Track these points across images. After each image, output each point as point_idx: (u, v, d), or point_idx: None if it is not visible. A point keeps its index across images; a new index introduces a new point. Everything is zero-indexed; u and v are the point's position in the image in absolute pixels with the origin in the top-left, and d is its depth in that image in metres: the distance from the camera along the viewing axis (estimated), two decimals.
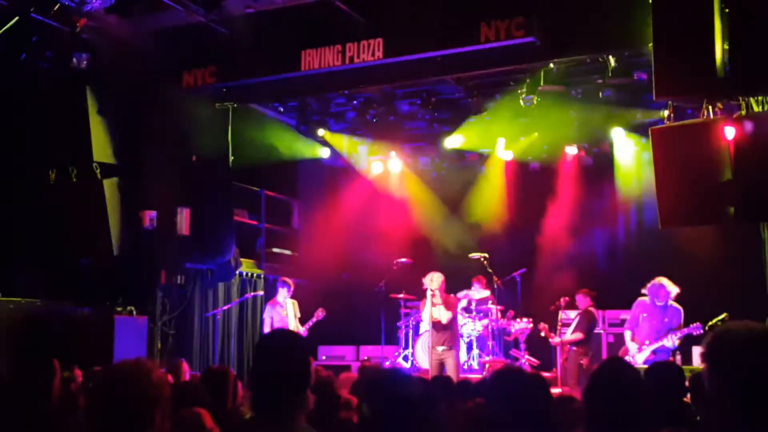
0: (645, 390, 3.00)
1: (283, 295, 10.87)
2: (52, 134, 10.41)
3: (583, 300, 10.68)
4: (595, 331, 10.96)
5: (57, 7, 8.76)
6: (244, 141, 11.91)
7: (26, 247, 10.08)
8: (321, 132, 13.00)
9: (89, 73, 10.03)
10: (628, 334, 9.39)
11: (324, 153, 13.64)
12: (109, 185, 10.38)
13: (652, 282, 9.15)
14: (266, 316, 10.85)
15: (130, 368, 2.75)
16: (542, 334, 10.81)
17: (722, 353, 2.00)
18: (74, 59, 9.79)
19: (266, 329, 10.56)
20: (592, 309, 10.61)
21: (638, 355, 9.10)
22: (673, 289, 9.04)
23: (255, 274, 12.78)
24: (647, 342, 9.09)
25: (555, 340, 10.68)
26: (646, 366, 6.12)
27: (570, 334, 10.52)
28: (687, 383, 4.85)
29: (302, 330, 10.67)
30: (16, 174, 10.28)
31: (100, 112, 10.51)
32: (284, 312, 10.80)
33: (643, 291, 9.23)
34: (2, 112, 9.94)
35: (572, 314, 10.91)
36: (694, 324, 8.82)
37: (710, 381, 2.01)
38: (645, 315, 9.21)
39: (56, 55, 9.81)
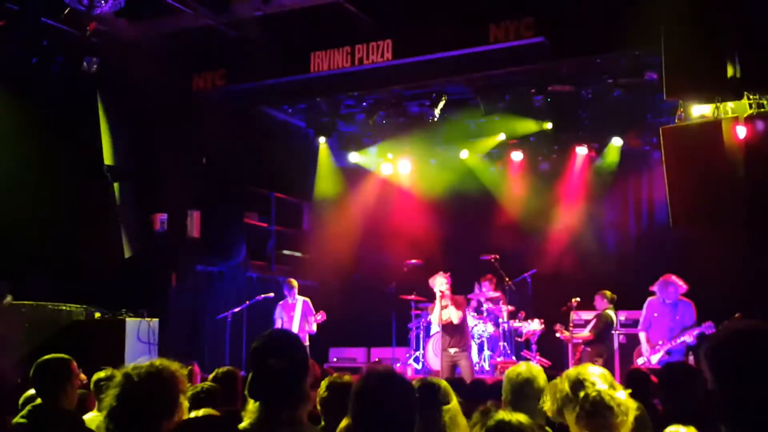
0: None
1: (291, 295, 10.92)
2: (64, 137, 10.46)
3: (600, 302, 10.59)
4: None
5: (67, 11, 8.78)
6: (254, 143, 11.94)
7: (38, 250, 10.12)
8: (331, 134, 12.98)
9: (100, 77, 10.08)
10: (642, 336, 9.33)
11: (334, 154, 13.64)
12: (120, 188, 10.43)
13: (660, 279, 9.10)
14: (276, 317, 10.89)
15: (159, 365, 2.83)
16: (557, 334, 10.74)
17: (725, 350, 2.00)
18: (85, 63, 9.83)
19: None
20: (609, 311, 10.49)
21: (653, 356, 9.05)
22: (681, 285, 8.97)
23: (266, 277, 12.78)
24: (660, 342, 9.04)
25: (565, 333, 10.61)
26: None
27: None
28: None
29: (307, 328, 10.73)
30: (26, 178, 10.33)
31: (111, 116, 10.56)
32: (292, 312, 10.84)
33: (652, 289, 9.18)
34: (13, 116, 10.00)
35: (585, 315, 10.82)
36: (707, 323, 8.75)
37: (712, 379, 2.01)
38: (656, 314, 9.16)
39: (67, 58, 9.85)
